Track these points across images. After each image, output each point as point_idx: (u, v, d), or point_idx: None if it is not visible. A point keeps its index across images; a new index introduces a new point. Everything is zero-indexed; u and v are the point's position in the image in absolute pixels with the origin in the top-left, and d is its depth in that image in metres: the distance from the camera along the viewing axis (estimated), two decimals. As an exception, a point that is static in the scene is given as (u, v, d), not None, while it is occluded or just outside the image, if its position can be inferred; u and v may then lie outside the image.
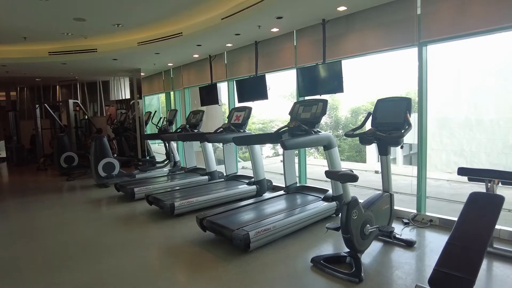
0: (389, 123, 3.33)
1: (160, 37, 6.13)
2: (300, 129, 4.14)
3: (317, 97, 4.71)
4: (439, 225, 3.94)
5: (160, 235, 4.00)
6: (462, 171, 3.14)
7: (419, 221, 4.06)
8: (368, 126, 3.59)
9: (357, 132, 3.38)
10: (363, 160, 19.34)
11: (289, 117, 4.45)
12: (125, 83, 11.85)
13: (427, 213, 4.13)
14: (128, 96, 11.55)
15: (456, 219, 3.89)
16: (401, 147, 3.25)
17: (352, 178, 2.72)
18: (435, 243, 3.43)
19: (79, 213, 5.04)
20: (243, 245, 3.16)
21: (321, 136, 4.01)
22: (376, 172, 7.89)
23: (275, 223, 3.44)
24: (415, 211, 4.19)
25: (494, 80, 15.73)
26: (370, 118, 3.54)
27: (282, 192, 4.78)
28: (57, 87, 12.85)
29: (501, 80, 15.56)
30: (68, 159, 8.35)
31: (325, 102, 4.22)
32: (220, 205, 4.78)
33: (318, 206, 4.05)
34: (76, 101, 10.47)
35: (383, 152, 3.38)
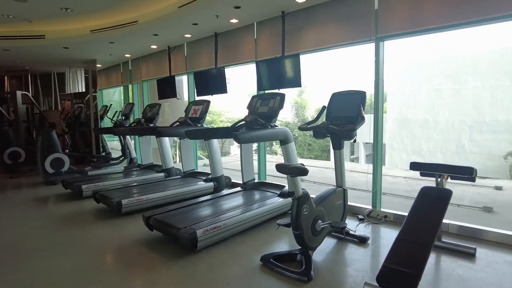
0: (343, 117, 3.26)
1: (115, 25, 5.75)
2: (257, 123, 3.99)
3: (276, 91, 4.60)
4: (393, 220, 3.94)
5: (104, 235, 3.70)
6: (414, 166, 3.12)
7: (374, 217, 4.05)
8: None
9: (311, 125, 3.28)
10: (328, 158, 19.69)
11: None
12: (82, 75, 11.18)
13: (382, 209, 4.12)
14: (84, 89, 10.91)
15: (404, 213, 3.96)
16: (354, 141, 3.18)
17: (302, 171, 2.60)
18: (388, 239, 3.40)
19: (17, 213, 4.60)
20: (190, 244, 2.95)
21: (278, 131, 3.88)
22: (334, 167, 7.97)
23: (226, 221, 3.26)
24: (370, 207, 4.18)
25: (449, 83, 16.47)
26: (325, 111, 3.46)
27: (238, 188, 4.61)
28: (5, 77, 11.89)
29: (455, 83, 16.33)
30: (13, 154, 7.69)
31: (282, 96, 4.09)
32: (174, 203, 4.54)
33: (273, 202, 3.92)
34: (26, 92, 9.71)
35: (337, 146, 3.30)
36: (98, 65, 8.78)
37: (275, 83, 4.75)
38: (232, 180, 5.61)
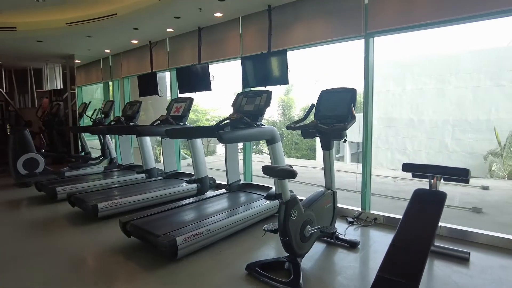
0: (333, 116, 3.10)
1: (92, 17, 5.43)
2: (243, 122, 3.80)
3: (263, 89, 4.41)
4: (383, 223, 3.81)
5: (77, 242, 3.43)
6: (406, 167, 2.98)
7: (364, 219, 3.91)
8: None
9: (299, 124, 3.10)
10: (314, 157, 19.65)
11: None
12: (60, 71, 10.71)
13: (372, 211, 3.99)
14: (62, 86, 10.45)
15: (399, 216, 3.84)
16: (344, 141, 3.03)
17: (290, 174, 2.42)
18: (380, 243, 3.27)
19: (-17, 218, 4.26)
20: (169, 252, 2.73)
21: (264, 130, 3.70)
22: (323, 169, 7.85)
23: (209, 226, 3.05)
24: (359, 209, 4.04)
25: (433, 83, 16.65)
26: (314, 110, 3.30)
27: (223, 190, 4.40)
28: (-23, 73, 11.28)
29: (439, 83, 16.51)
30: (-17, 154, 7.26)
31: (269, 93, 3.91)
32: (155, 207, 4.30)
33: (259, 205, 3.73)
34: (-1, 89, 9.23)
35: (326, 146, 3.14)
36: (76, 61, 8.39)
37: (261, 80, 4.56)
38: (217, 181, 5.40)
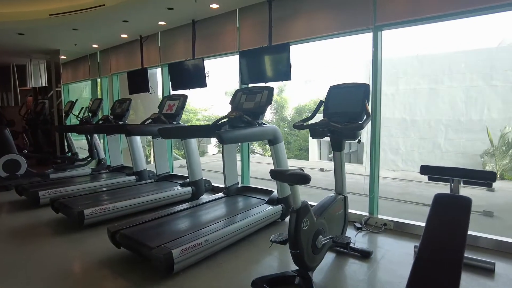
0: (344, 113, 2.83)
1: (78, 8, 5.06)
2: (242, 121, 3.50)
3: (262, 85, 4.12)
4: (393, 229, 3.56)
5: (61, 253, 3.09)
6: (425, 170, 2.72)
7: (372, 225, 3.66)
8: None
9: (308, 123, 2.82)
10: (307, 158, 19.45)
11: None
12: (45, 68, 10.22)
13: (380, 216, 3.74)
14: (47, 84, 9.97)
15: (410, 222, 3.61)
16: (359, 142, 2.76)
17: (303, 179, 2.13)
18: (393, 251, 3.01)
19: (-45, 226, 3.87)
20: (165, 267, 2.42)
21: (266, 129, 3.41)
22: (322, 170, 7.56)
23: (207, 236, 2.74)
24: (367, 214, 3.78)
25: (426, 83, 16.64)
26: (322, 107, 3.02)
27: (221, 194, 4.10)
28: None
29: (432, 83, 16.50)
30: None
31: (270, 89, 3.62)
32: (146, 212, 3.98)
33: (261, 211, 3.44)
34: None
35: (337, 147, 2.87)
36: (62, 57, 7.96)
37: (261, 76, 4.27)
38: (212, 184, 5.08)
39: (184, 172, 5.09)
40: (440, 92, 16.22)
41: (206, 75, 4.97)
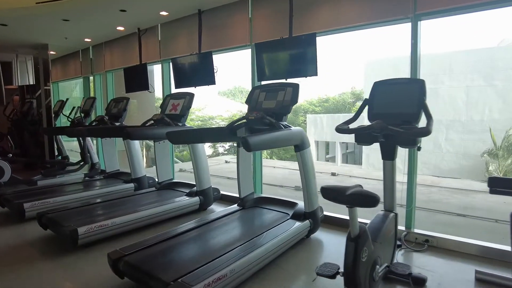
0: (395, 114, 2.36)
1: (69, -4, 4.50)
2: (263, 123, 3.01)
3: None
4: (437, 246, 3.10)
5: (51, 282, 2.55)
6: (494, 183, 2.26)
7: (413, 242, 3.18)
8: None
9: (356, 127, 2.34)
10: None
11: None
12: (32, 65, 9.55)
13: (418, 230, 3.28)
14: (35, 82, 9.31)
15: (457, 238, 3.13)
16: (419, 149, 2.28)
17: (372, 201, 1.65)
18: (449, 277, 2.54)
19: None
20: (185, 310, 1.91)
21: (294, 132, 2.92)
22: (333, 174, 7.07)
23: (233, 265, 2.23)
24: (403, 228, 3.32)
25: (426, 83, 16.37)
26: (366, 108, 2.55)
27: (235, 207, 3.58)
28: None
29: (432, 83, 16.27)
30: None
31: (295, 86, 3.14)
32: (150, 227, 3.47)
33: (288, 228, 2.93)
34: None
35: (389, 155, 2.39)
36: (51, 52, 7.35)
37: (280, 71, 3.77)
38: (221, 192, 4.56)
39: (186, 177, 4.58)
40: (441, 92, 15.98)
41: (215, 70, 4.46)
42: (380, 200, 1.67)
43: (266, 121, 3.02)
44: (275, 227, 2.96)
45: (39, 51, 7.19)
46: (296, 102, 3.10)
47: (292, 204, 3.42)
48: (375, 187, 5.91)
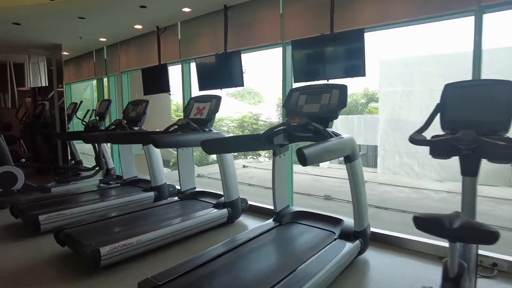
0: (478, 123, 1.98)
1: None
2: (307, 129, 2.66)
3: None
4: (507, 271, 2.70)
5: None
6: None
7: (479, 265, 2.79)
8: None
9: (437, 139, 1.96)
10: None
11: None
12: (45, 66, 9.34)
13: (482, 251, 2.88)
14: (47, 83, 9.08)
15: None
16: (513, 164, 1.90)
17: (490, 237, 1.28)
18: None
19: None
20: None
21: (346, 141, 2.55)
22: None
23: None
24: (463, 249, 2.92)
25: (444, 83, 15.90)
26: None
27: (271, 222, 3.21)
28: None
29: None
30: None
31: (342, 88, 2.78)
32: (176, 244, 3.14)
33: (339, 251, 2.55)
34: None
35: (472, 170, 2.00)
36: (64, 53, 7.10)
37: (322, 71, 3.40)
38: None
39: (204, 184, 4.24)
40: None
41: (243, 71, 4.11)
42: (499, 235, 1.30)
43: (310, 127, 2.67)
44: (323, 249, 2.59)
45: (52, 51, 6.95)
46: (345, 105, 2.73)
47: (336, 221, 3.05)
48: (410, 195, 5.52)
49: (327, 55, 3.35)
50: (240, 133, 19.77)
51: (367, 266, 2.84)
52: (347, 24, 3.38)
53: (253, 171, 7.29)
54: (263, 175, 7.01)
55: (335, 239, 2.78)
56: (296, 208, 3.39)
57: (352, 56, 3.17)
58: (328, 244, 2.69)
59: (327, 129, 2.67)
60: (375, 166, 18.79)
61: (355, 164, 2.67)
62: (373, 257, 2.97)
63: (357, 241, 2.72)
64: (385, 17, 3.19)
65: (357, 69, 3.15)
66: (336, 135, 2.60)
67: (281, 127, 2.86)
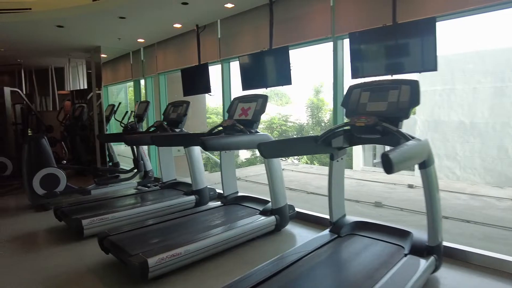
0: None
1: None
2: (375, 130, 2.36)
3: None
4: None
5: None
6: None
7: None
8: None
9: None
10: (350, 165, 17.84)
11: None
12: (83, 69, 9.54)
13: None
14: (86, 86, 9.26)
15: None
16: None
17: None
18: None
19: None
20: None
21: (424, 144, 2.22)
22: (410, 186, 6.12)
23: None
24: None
25: (489, 81, 15.01)
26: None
27: (327, 234, 2.91)
28: (-7, 72, 10.26)
29: (497, 81, 14.86)
30: (-3, 166, 6.08)
31: (414, 84, 2.45)
32: (223, 254, 2.93)
33: (415, 270, 2.22)
34: (16, 89, 8.05)
35: None
36: (103, 55, 7.14)
37: (385, 66, 3.07)
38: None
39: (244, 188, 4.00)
40: (507, 91, 14.51)
41: (291, 68, 3.85)
42: None
43: (379, 128, 2.36)
44: (395, 267, 2.26)
45: (91, 54, 7.01)
46: (418, 103, 2.40)
47: (403, 233, 2.70)
48: (469, 203, 5.01)
49: (391, 48, 3.01)
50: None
51: (439, 285, 2.48)
52: (411, 14, 3.03)
53: (291, 174, 6.99)
54: (302, 178, 6.70)
55: (405, 255, 2.44)
56: (353, 218, 3.07)
57: (422, 48, 2.81)
58: (399, 261, 2.36)
59: (398, 129, 2.35)
60: (412, 169, 17.93)
61: (430, 170, 2.33)
62: (444, 275, 2.60)
63: (432, 257, 2.37)
64: (463, 2, 2.81)
65: (428, 63, 2.78)
66: (412, 137, 2.27)
67: (344, 127, 2.57)
